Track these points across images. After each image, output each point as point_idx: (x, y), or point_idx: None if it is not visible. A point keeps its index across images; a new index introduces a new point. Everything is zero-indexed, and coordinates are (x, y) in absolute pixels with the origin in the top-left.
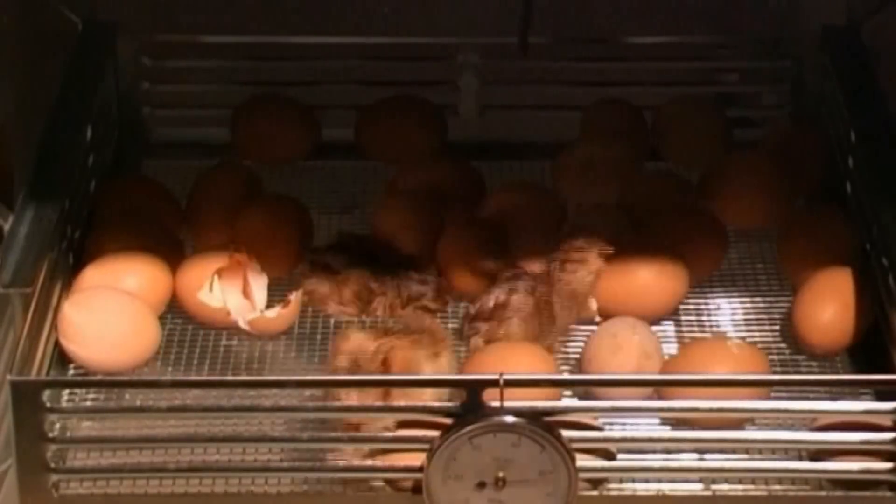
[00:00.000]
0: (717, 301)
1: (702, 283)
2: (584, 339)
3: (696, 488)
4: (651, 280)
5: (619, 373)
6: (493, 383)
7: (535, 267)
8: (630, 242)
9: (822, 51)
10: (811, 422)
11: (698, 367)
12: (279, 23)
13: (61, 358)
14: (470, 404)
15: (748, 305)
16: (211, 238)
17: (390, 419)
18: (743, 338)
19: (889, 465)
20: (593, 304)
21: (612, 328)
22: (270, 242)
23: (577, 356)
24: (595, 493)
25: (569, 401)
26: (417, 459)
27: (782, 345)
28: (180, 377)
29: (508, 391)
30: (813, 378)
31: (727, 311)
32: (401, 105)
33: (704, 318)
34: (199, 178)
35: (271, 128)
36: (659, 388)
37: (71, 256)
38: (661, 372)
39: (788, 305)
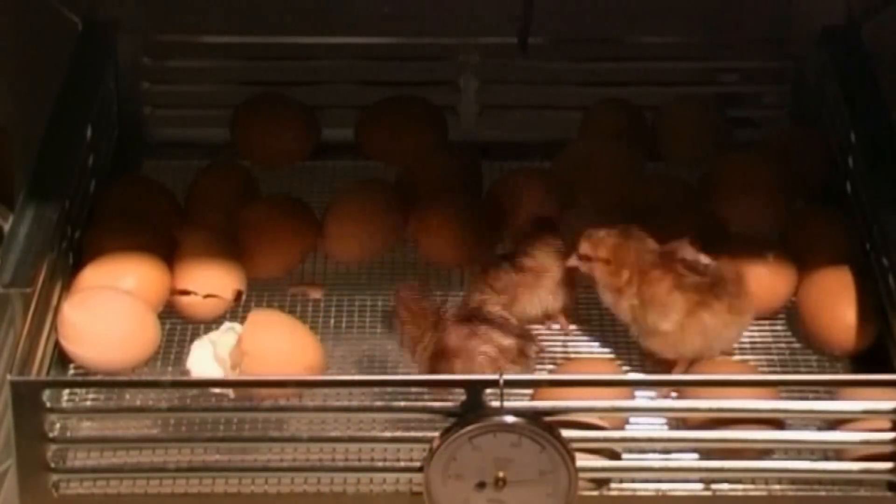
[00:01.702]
0: None
1: None
2: None
3: (696, 488)
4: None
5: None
6: (493, 383)
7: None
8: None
9: (822, 51)
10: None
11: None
12: (279, 23)
13: (61, 358)
14: (470, 404)
15: None
16: (208, 237)
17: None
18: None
19: (889, 465)
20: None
21: None
22: (272, 242)
23: None
24: (595, 493)
25: (569, 401)
26: None
27: (782, 345)
28: (180, 377)
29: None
30: (813, 378)
31: None
32: (401, 105)
33: None
34: (196, 178)
35: (271, 128)
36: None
37: (71, 256)
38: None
39: (789, 305)
